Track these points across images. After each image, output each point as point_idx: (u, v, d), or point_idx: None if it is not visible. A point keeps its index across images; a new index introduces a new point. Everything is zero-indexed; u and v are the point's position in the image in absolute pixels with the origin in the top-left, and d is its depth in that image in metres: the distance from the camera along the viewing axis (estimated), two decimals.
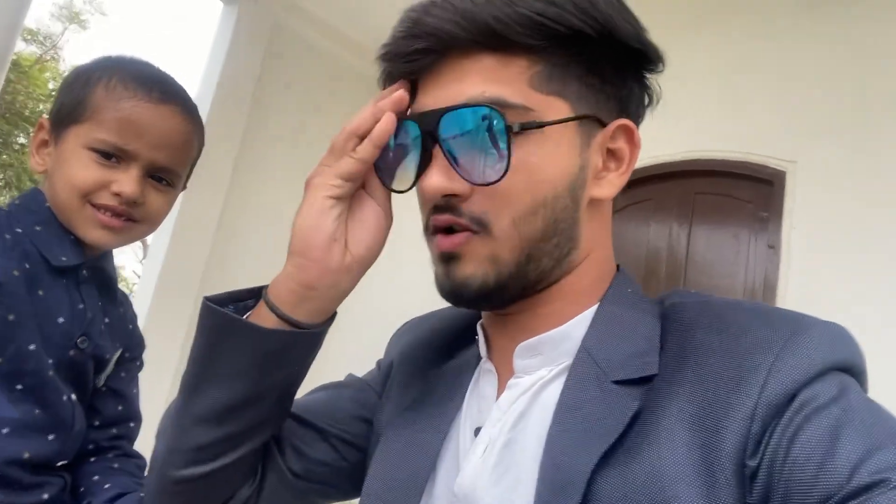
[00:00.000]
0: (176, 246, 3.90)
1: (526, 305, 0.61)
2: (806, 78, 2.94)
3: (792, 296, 2.75)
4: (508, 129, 0.54)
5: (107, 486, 0.85)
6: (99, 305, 0.86)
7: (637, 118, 0.64)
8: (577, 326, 0.60)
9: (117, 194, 0.80)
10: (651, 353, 0.56)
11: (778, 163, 2.96)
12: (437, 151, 0.57)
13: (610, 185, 0.61)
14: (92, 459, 0.88)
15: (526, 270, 0.58)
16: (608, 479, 0.50)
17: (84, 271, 0.84)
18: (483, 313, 0.68)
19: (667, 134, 3.44)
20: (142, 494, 0.82)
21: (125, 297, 0.95)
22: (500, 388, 0.63)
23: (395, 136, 0.61)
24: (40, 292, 0.78)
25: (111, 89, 0.81)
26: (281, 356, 0.61)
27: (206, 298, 0.62)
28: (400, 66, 0.60)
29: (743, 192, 3.18)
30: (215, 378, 0.61)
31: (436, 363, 0.71)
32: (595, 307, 0.61)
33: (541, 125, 0.55)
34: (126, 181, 0.80)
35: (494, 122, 0.54)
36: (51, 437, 0.78)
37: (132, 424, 0.94)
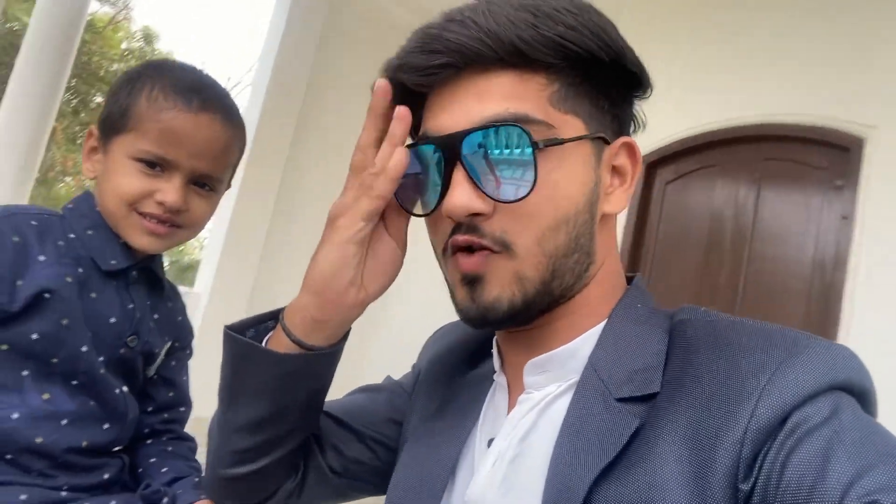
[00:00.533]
0: (243, 196, 4.02)
1: (542, 321, 0.62)
2: (890, 38, 2.75)
3: (864, 270, 2.63)
4: (535, 146, 0.55)
5: (164, 469, 0.92)
6: (148, 305, 0.90)
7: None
8: (585, 343, 0.62)
9: (161, 203, 0.83)
10: (655, 371, 0.57)
11: (857, 128, 2.80)
12: (459, 172, 0.57)
13: (618, 201, 0.63)
14: (148, 442, 0.95)
15: (551, 287, 0.59)
16: (606, 494, 0.51)
17: (133, 273, 0.88)
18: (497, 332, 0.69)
19: (736, 97, 3.30)
20: (196, 479, 0.92)
21: (174, 290, 1.00)
22: (512, 402, 0.64)
23: (417, 157, 0.62)
24: (93, 295, 0.83)
25: (153, 100, 0.83)
26: (298, 376, 0.65)
27: (227, 327, 0.66)
28: (415, 78, 0.59)
29: (817, 159, 3.04)
30: (242, 397, 0.65)
31: (460, 372, 0.74)
32: (603, 323, 0.62)
33: (562, 142, 0.57)
34: (169, 190, 0.83)
35: (520, 140, 0.55)
36: (106, 426, 0.84)
37: (182, 409, 1.00)
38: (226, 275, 4.37)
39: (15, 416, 0.76)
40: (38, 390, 0.79)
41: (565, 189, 0.58)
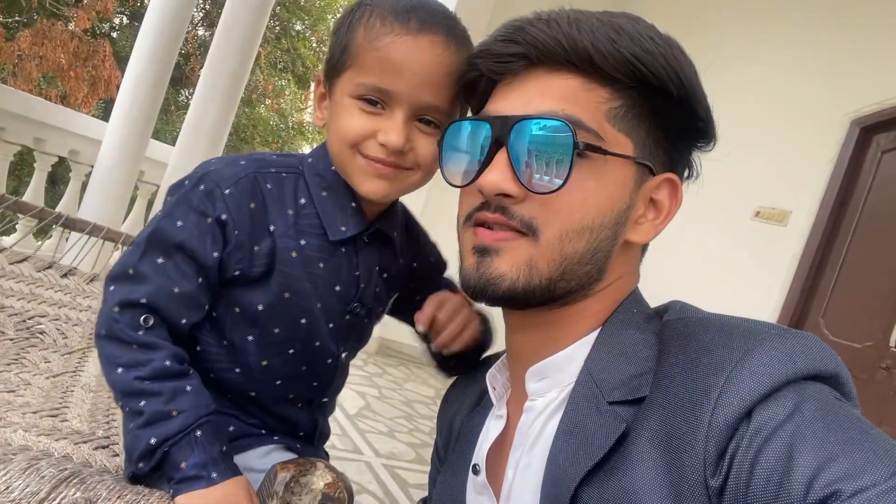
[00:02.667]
0: None
1: (541, 323, 0.66)
2: None
3: None
4: (575, 147, 0.58)
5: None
6: (377, 269, 0.87)
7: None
8: (581, 348, 0.64)
9: (383, 144, 0.76)
10: (646, 375, 0.58)
11: None
12: (502, 153, 0.61)
13: (645, 233, 0.66)
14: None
15: (555, 287, 0.62)
16: (590, 494, 0.55)
17: (364, 237, 0.84)
18: (506, 331, 0.72)
19: None
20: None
21: (417, 234, 0.97)
22: (519, 412, 0.68)
23: (469, 131, 0.66)
24: (320, 265, 0.81)
25: (369, 28, 0.75)
26: None
27: None
28: (490, 64, 0.65)
29: None
30: None
31: (468, 410, 0.80)
32: (599, 329, 0.65)
33: (604, 152, 0.60)
34: (391, 129, 0.75)
35: (564, 137, 0.58)
36: (315, 384, 0.89)
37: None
38: None
39: (237, 370, 0.83)
40: (259, 357, 0.83)
41: (596, 199, 0.61)
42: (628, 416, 0.57)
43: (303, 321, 0.82)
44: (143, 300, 0.72)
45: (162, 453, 0.69)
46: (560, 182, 0.58)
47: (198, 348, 0.82)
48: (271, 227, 0.79)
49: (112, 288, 0.74)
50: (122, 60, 10.51)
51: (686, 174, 0.69)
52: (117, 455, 0.88)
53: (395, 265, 0.91)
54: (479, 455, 0.72)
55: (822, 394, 0.51)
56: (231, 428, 0.85)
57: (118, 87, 4.46)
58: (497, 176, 0.60)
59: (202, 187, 0.77)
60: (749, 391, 0.50)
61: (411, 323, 0.88)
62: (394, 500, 2.53)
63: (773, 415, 0.49)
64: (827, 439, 0.46)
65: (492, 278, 0.62)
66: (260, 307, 0.80)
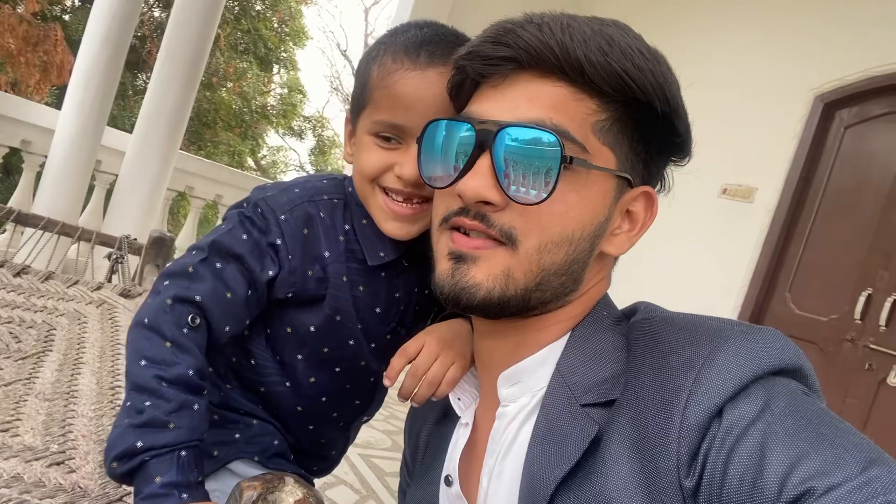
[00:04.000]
0: None
1: (512, 330, 0.65)
2: None
3: None
4: (563, 160, 0.56)
5: None
6: (416, 290, 0.88)
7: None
8: (552, 352, 0.64)
9: (399, 177, 0.77)
10: (618, 377, 0.58)
11: None
12: (485, 159, 0.59)
13: (619, 244, 0.65)
14: None
15: (531, 297, 0.61)
16: (566, 500, 0.54)
17: (404, 261, 0.86)
18: (475, 337, 0.72)
19: None
20: None
21: None
22: (491, 419, 0.66)
23: (450, 131, 0.63)
24: (361, 288, 0.83)
25: (382, 66, 0.78)
26: None
27: None
28: (477, 66, 0.62)
29: None
30: None
31: (435, 421, 0.79)
32: (570, 332, 0.64)
33: (590, 167, 0.59)
34: (405, 162, 0.76)
35: (553, 150, 0.56)
36: (357, 402, 0.93)
37: None
38: None
39: (287, 384, 0.87)
40: (307, 374, 0.86)
41: (577, 211, 0.59)
42: (601, 419, 0.56)
43: (351, 342, 0.85)
44: (198, 298, 0.73)
45: (141, 461, 0.65)
46: (545, 195, 0.57)
47: (252, 362, 0.85)
48: (326, 254, 0.82)
49: (167, 283, 0.74)
50: (74, 45, 10.12)
51: (658, 187, 0.69)
52: (74, 471, 0.83)
53: None
54: (451, 466, 0.71)
55: (789, 389, 0.51)
56: (275, 442, 0.87)
57: (71, 73, 4.29)
58: (479, 183, 0.58)
59: (259, 210, 0.80)
60: (718, 390, 0.49)
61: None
62: (370, 489, 2.52)
63: (744, 413, 0.48)
64: (798, 436, 0.46)
65: (467, 287, 0.60)
66: (312, 328, 0.83)
